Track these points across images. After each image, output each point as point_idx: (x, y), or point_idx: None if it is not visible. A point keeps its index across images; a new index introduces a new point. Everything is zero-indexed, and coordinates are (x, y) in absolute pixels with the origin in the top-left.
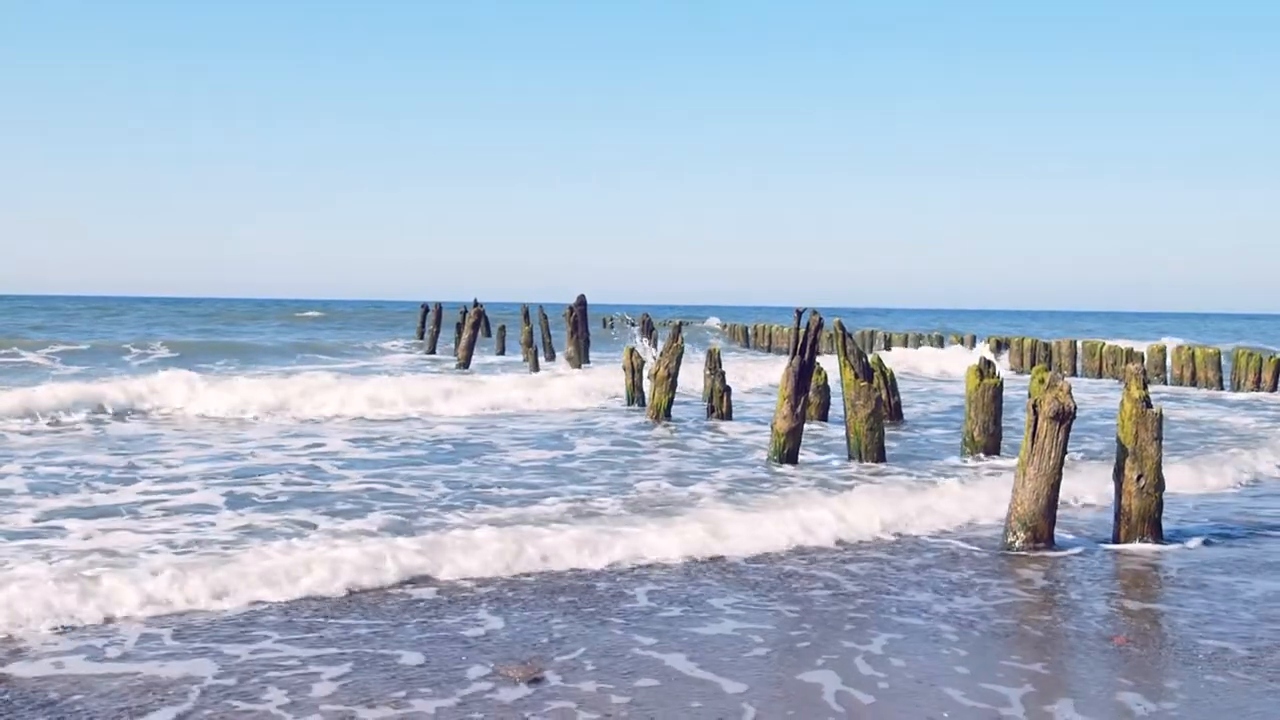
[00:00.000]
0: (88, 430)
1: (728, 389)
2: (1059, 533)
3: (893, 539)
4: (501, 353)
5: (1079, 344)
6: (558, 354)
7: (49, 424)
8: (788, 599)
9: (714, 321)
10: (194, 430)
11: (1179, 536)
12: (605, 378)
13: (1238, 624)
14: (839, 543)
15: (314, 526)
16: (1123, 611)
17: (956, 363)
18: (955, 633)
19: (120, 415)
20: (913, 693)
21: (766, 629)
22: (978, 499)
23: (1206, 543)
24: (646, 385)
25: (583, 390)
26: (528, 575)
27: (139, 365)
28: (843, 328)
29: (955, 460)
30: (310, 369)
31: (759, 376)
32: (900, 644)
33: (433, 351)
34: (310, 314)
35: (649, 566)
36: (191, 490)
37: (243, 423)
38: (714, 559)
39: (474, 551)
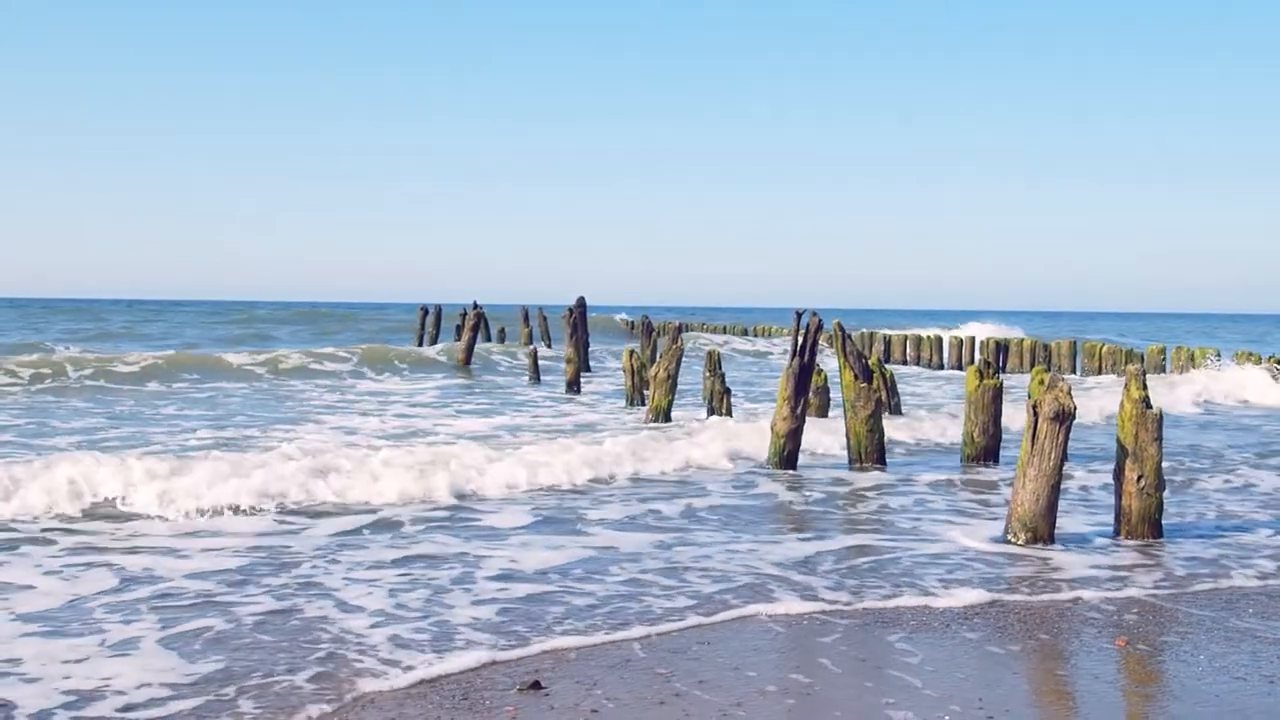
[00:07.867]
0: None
1: (728, 390)
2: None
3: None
4: (501, 341)
5: None
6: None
7: None
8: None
9: None
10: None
11: (1178, 536)
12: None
13: (1239, 624)
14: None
15: None
16: (1123, 613)
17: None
18: (954, 634)
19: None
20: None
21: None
22: None
23: (1206, 543)
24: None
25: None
26: None
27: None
28: (842, 329)
29: (958, 462)
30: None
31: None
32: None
33: (434, 342)
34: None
35: None
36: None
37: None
38: None
39: None
